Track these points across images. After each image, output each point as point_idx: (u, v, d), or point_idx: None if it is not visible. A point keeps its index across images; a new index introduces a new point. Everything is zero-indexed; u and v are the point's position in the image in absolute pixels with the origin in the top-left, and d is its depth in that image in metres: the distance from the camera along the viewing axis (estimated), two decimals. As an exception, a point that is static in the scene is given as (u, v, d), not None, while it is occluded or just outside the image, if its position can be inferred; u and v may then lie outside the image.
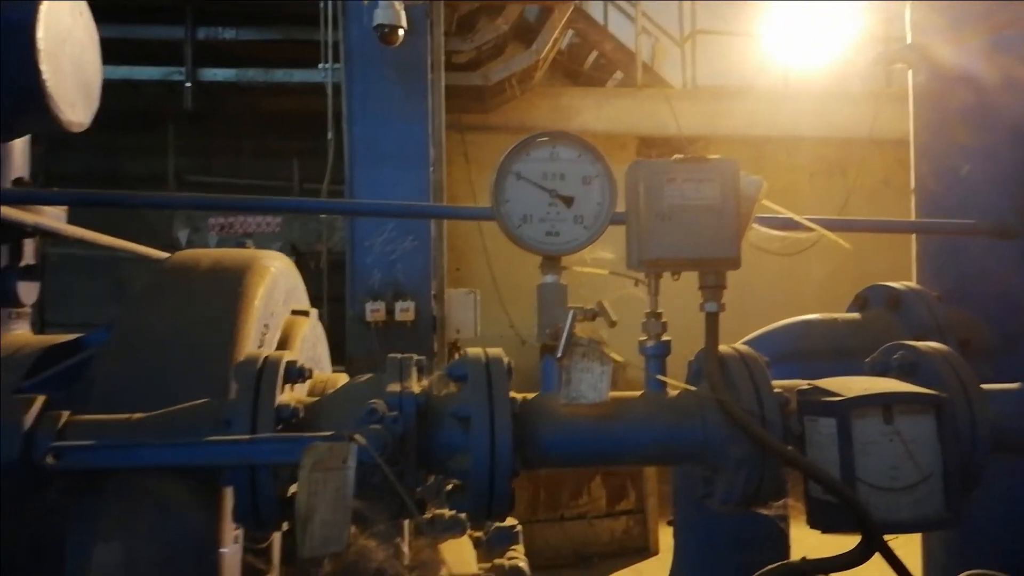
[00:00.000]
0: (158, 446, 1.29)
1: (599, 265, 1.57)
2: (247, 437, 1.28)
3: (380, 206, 4.31)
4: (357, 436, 1.25)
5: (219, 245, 7.34)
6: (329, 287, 6.70)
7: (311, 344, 2.18)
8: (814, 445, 1.46)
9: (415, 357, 1.52)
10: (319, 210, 6.77)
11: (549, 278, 1.54)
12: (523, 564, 2.51)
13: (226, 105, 7.69)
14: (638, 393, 1.55)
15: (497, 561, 2.50)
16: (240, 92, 7.36)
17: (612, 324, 1.50)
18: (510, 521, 2.66)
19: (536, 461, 1.44)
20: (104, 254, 6.53)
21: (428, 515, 2.31)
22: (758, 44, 10.42)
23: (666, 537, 6.32)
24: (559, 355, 1.43)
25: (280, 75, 7.00)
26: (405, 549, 2.01)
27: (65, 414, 1.40)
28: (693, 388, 1.51)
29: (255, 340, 1.78)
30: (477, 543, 2.59)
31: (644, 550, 6.10)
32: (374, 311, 5.84)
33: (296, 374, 1.45)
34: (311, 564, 1.85)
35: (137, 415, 1.44)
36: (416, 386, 1.44)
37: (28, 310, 2.27)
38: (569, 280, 1.59)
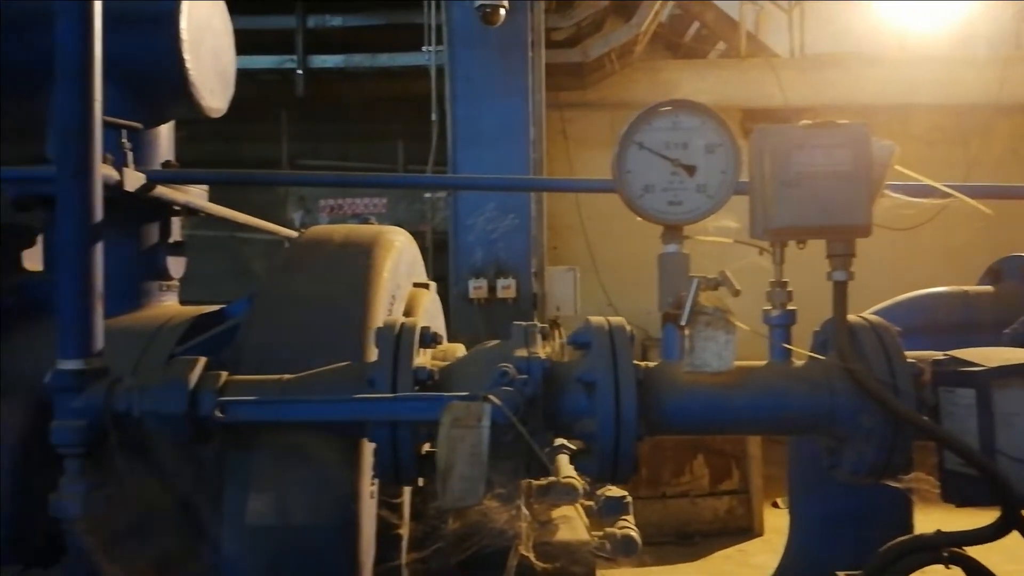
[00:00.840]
0: (313, 402, 1.40)
1: (722, 234, 1.57)
2: (392, 395, 1.37)
3: (492, 181, 4.37)
4: (491, 396, 1.31)
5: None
6: (433, 266, 6.89)
7: (432, 315, 2.27)
8: (950, 416, 1.42)
9: (539, 324, 1.57)
10: (426, 185, 6.92)
11: (671, 248, 1.56)
12: (634, 533, 2.54)
13: (333, 91, 7.97)
14: (762, 363, 1.55)
15: (608, 530, 2.53)
16: (347, 77, 7.62)
17: (735, 293, 1.50)
18: (621, 492, 2.69)
19: (660, 426, 1.47)
20: (224, 235, 6.95)
21: (542, 481, 2.38)
22: (871, 8, 9.86)
23: (771, 518, 6.19)
24: (683, 323, 1.44)
25: (385, 59, 7.20)
26: (527, 512, 2.08)
27: (224, 374, 1.54)
28: (821, 357, 1.49)
29: (385, 309, 1.88)
30: (588, 512, 2.64)
31: (748, 531, 6.00)
32: (476, 288, 5.98)
33: (429, 339, 1.52)
34: (438, 521, 1.96)
35: (286, 376, 1.55)
36: (542, 351, 1.49)
37: (176, 283, 2.47)
38: (690, 249, 1.60)
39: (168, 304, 2.45)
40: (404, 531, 1.86)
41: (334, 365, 1.57)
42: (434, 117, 6.22)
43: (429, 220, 7.44)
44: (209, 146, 8.66)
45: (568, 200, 8.23)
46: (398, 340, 1.48)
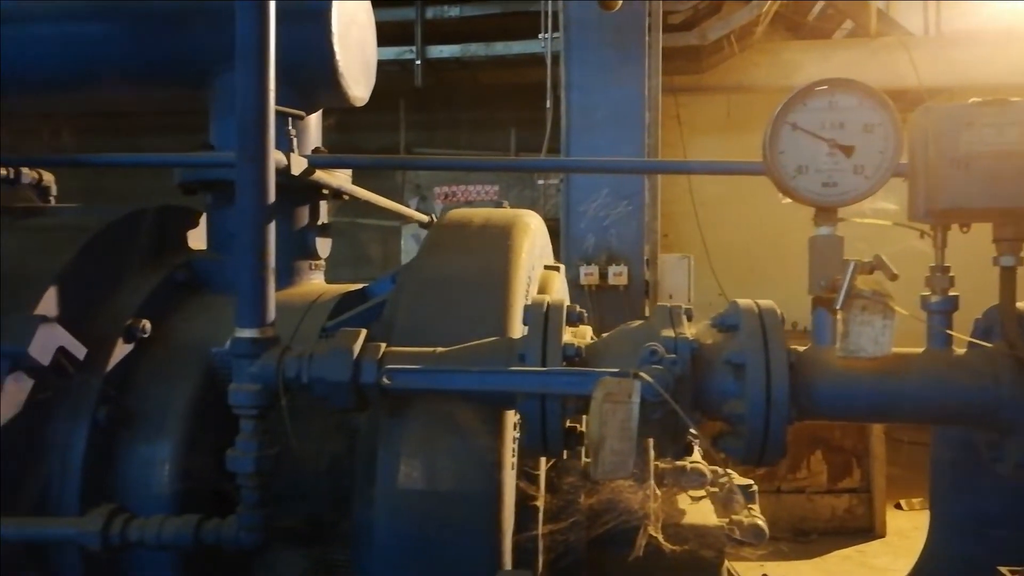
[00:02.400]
0: (473, 372, 1.47)
1: (880, 216, 1.53)
2: (545, 369, 1.43)
3: (612, 163, 4.37)
4: (642, 373, 1.34)
5: (443, 212, 7.88)
6: (544, 252, 6.94)
7: (562, 296, 2.32)
8: None
9: (683, 306, 1.58)
10: (552, 169, 6.96)
11: (824, 230, 1.53)
12: (761, 522, 2.51)
13: (449, 80, 8.16)
14: (920, 350, 1.50)
15: (735, 517, 2.51)
16: (462, 67, 7.78)
17: (893, 277, 1.46)
18: (747, 480, 2.66)
19: (811, 411, 1.45)
20: (344, 221, 7.27)
21: (668, 465, 2.39)
22: (1018, -22, 9.08)
23: (894, 520, 5.92)
24: (838, 307, 1.42)
25: (500, 48, 7.30)
26: (658, 493, 2.10)
27: (382, 345, 1.64)
28: (987, 345, 1.43)
29: (523, 289, 1.94)
30: (713, 498, 2.62)
31: (868, 531, 5.76)
32: (588, 275, 5.99)
33: (576, 318, 1.57)
34: (572, 495, 2.01)
35: (439, 349, 1.64)
36: (688, 332, 1.50)
37: (322, 263, 2.63)
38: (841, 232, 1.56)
39: (316, 282, 2.61)
40: (540, 503, 1.92)
41: (483, 340, 1.64)
42: (548, 104, 6.26)
43: (541, 206, 7.50)
44: (331, 136, 9.09)
45: (680, 187, 8.09)
46: (547, 317, 1.53)
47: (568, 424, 1.55)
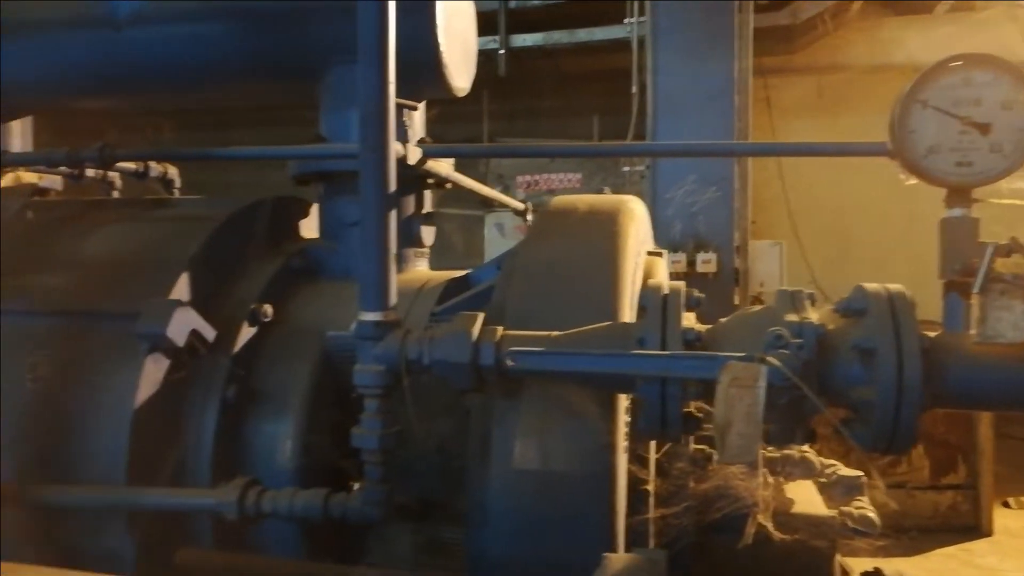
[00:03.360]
0: (595, 355, 1.50)
1: (1018, 197, 1.46)
2: (668, 353, 1.44)
3: (704, 147, 4.28)
4: (770, 358, 1.33)
5: (524, 202, 7.92)
6: (628, 239, 6.89)
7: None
8: None
9: (805, 291, 1.56)
10: (634, 154, 6.89)
11: (957, 211, 1.48)
12: (872, 514, 2.44)
13: (531, 68, 8.17)
14: (1063, 335, 1.43)
15: (844, 508, 2.46)
16: (545, 55, 7.77)
17: (1034, 260, 1.40)
18: (855, 472, 2.59)
19: (944, 398, 1.41)
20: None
21: (776, 454, 2.36)
22: None
23: (1002, 519, 5.64)
24: (975, 291, 1.37)
25: (583, 35, 7.26)
26: (772, 480, 2.08)
27: (499, 329, 1.68)
28: None
29: (631, 274, 1.95)
30: (820, 489, 2.57)
31: (973, 529, 5.50)
32: (674, 263, 5.92)
33: (695, 302, 1.57)
34: (683, 480, 2.02)
35: (554, 333, 1.67)
36: (812, 317, 1.48)
37: (426, 250, 2.71)
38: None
39: (421, 269, 2.69)
40: (651, 487, 1.93)
41: (598, 324, 1.66)
42: (634, 90, 6.20)
43: (625, 194, 7.45)
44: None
45: (769, 171, 7.86)
46: (664, 301, 1.54)
47: (686, 409, 1.56)
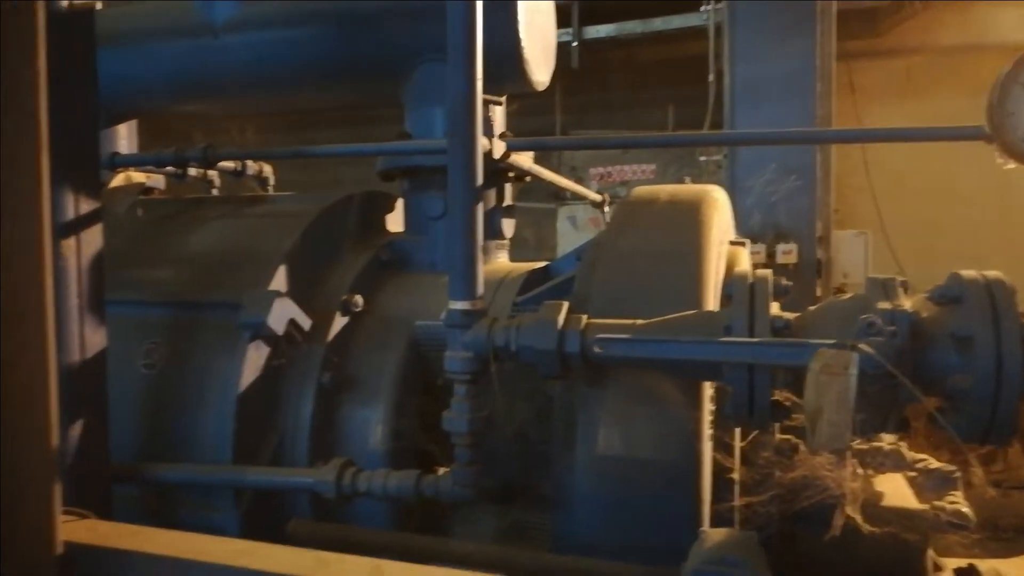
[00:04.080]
0: (684, 342, 1.52)
1: None
2: (758, 340, 1.45)
3: (786, 134, 4.19)
4: (863, 345, 1.33)
5: (601, 193, 7.90)
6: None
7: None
8: None
9: (898, 278, 1.53)
10: (713, 143, 6.79)
11: (1062, 195, 1.42)
12: (966, 510, 2.37)
13: (603, 60, 8.13)
14: None
15: (936, 503, 2.39)
16: (617, 46, 7.73)
17: None
18: (948, 467, 2.52)
19: (1048, 388, 1.37)
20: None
21: (865, 445, 2.31)
22: None
23: (1110, 523, 5.31)
24: (1083, 276, 1.32)
25: (658, 24, 7.18)
26: (861, 472, 2.05)
27: (584, 317, 1.72)
28: None
29: (715, 263, 1.95)
30: (910, 482, 2.51)
31: (1077, 534, 5.21)
32: (754, 254, 5.79)
33: (782, 291, 1.57)
34: (768, 469, 2.01)
35: (639, 321, 1.69)
36: (907, 304, 1.46)
37: (506, 242, 2.76)
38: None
39: (501, 260, 2.75)
40: (736, 475, 1.93)
41: (683, 313, 1.67)
42: (711, 78, 6.10)
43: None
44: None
45: (852, 159, 7.60)
46: (752, 289, 1.54)
47: (774, 397, 1.56)
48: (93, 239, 1.87)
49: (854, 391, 1.34)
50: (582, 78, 8.38)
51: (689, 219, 2.02)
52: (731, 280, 1.59)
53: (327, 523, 1.97)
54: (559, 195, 8.09)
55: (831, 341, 1.37)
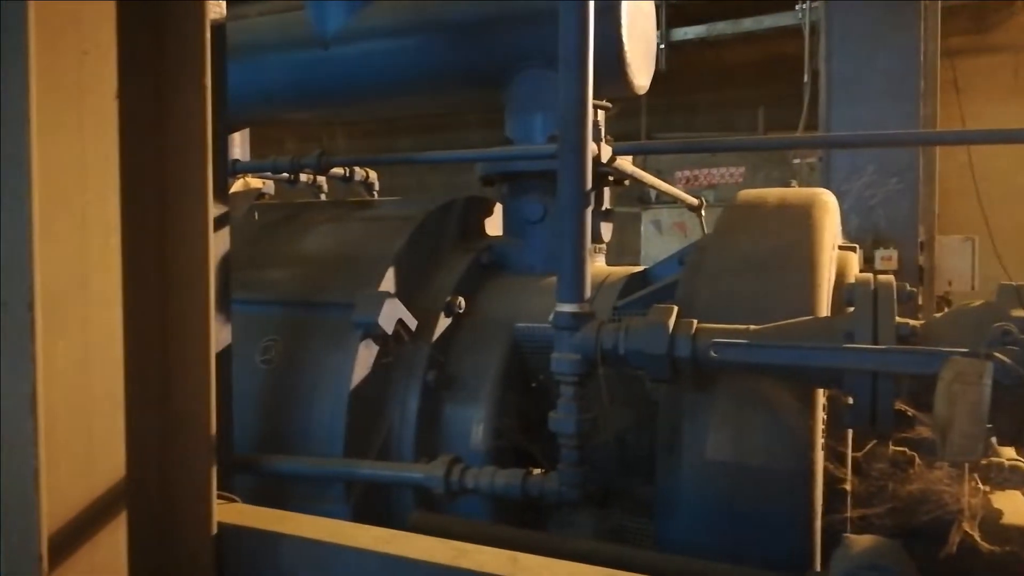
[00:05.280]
0: (806, 348, 1.50)
1: None
2: (884, 347, 1.41)
3: (887, 136, 4.01)
4: (998, 354, 1.28)
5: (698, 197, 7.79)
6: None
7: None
8: None
9: (1033, 285, 1.47)
10: (808, 146, 6.61)
11: None
12: (1098, 533, 2.23)
13: (689, 62, 8.02)
14: None
15: (1062, 524, 2.26)
16: (706, 47, 7.61)
17: None
18: (1076, 485, 2.37)
19: None
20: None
21: (984, 462, 2.21)
22: None
23: None
24: None
25: (749, 23, 7.04)
26: (984, 488, 1.96)
27: (694, 322, 1.71)
28: None
29: (828, 268, 1.91)
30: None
31: None
32: (850, 259, 5.60)
33: (906, 296, 1.52)
34: (882, 481, 1.95)
35: (752, 327, 1.67)
36: (1044, 313, 1.40)
37: (604, 246, 2.78)
38: None
39: (599, 264, 2.76)
40: (849, 486, 1.88)
41: (799, 319, 1.65)
42: (806, 78, 5.93)
43: (794, 188, 7.14)
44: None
45: (956, 161, 7.23)
46: (875, 295, 1.51)
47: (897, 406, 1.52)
48: (221, 241, 1.98)
49: (988, 401, 1.29)
50: (667, 80, 8.28)
51: (800, 222, 1.98)
52: (853, 286, 1.55)
53: (447, 516, 2.03)
54: (643, 199, 8.02)
55: (963, 349, 1.32)
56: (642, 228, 8.07)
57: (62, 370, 1.04)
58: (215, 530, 1.21)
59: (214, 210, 1.95)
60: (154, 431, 1.18)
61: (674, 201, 7.88)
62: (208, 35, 1.23)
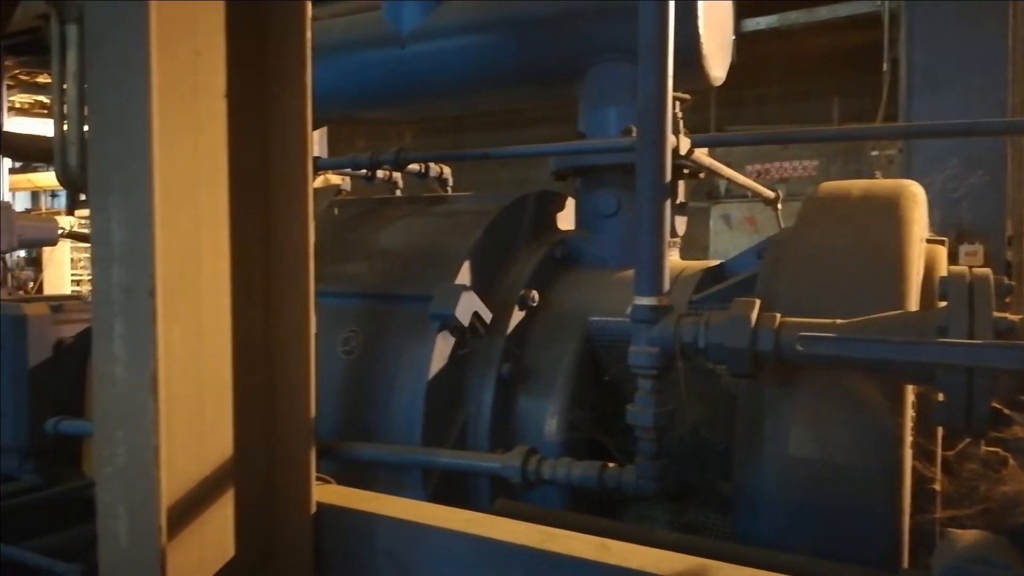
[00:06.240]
0: (898, 343, 1.46)
1: None
2: (984, 342, 1.37)
3: (974, 126, 3.83)
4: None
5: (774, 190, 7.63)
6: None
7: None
8: None
9: None
10: (891, 137, 6.36)
11: None
12: None
13: (760, 53, 7.84)
14: None
15: None
16: (778, 37, 7.42)
17: None
18: None
19: None
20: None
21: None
22: None
23: None
24: None
25: (824, 12, 6.83)
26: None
27: (778, 316, 1.69)
28: None
29: (918, 261, 1.86)
30: None
31: None
32: (932, 254, 5.38)
33: (1005, 289, 1.47)
34: (975, 482, 1.88)
35: (839, 321, 1.64)
36: None
37: (678, 240, 2.75)
38: None
39: (674, 258, 2.74)
40: (938, 486, 1.83)
41: (888, 313, 1.60)
42: (885, 67, 5.72)
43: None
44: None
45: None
46: (971, 288, 1.46)
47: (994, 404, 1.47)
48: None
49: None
50: (738, 71, 8.10)
51: (888, 215, 1.93)
52: (947, 279, 1.51)
53: (531, 504, 2.05)
54: (711, 193, 7.89)
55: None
56: (711, 223, 7.94)
57: (179, 354, 1.11)
58: (314, 509, 1.27)
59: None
60: (258, 414, 1.24)
61: (744, 195, 7.73)
62: (309, 34, 1.28)
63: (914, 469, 1.79)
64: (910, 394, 1.69)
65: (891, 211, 1.93)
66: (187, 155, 1.11)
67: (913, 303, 1.73)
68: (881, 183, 2.13)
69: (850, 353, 1.50)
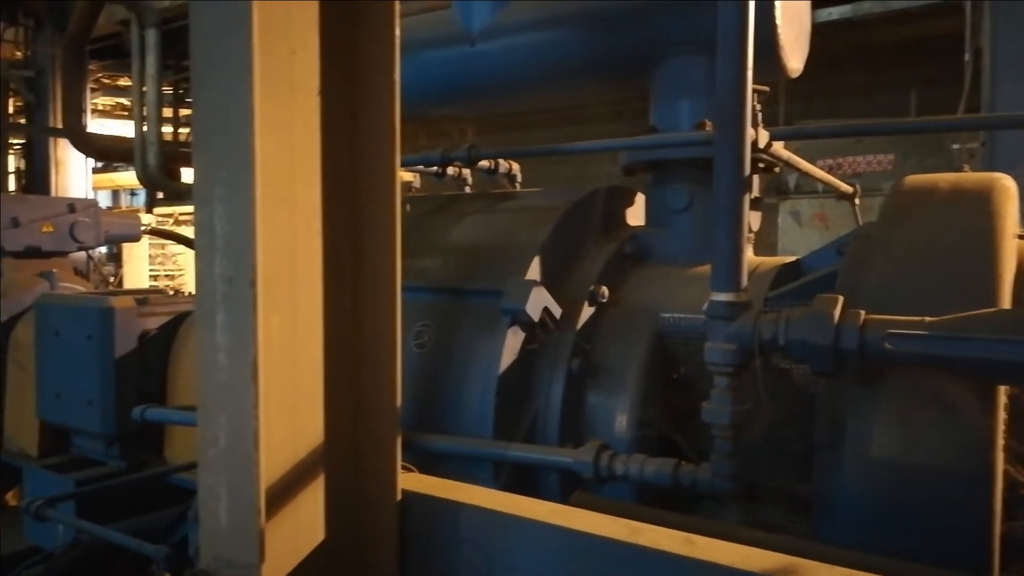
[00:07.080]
0: (996, 341, 1.41)
1: None
2: (1088, 340, 1.31)
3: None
4: None
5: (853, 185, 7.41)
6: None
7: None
8: None
9: None
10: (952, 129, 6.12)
11: None
12: None
13: (832, 44, 7.60)
14: None
15: None
16: (852, 28, 7.19)
17: None
18: None
19: None
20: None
21: None
22: None
23: None
24: None
25: (899, 2, 6.59)
26: None
27: (862, 312, 1.64)
28: None
29: (1012, 257, 1.78)
30: None
31: None
32: (1018, 251, 5.13)
33: (1111, 287, 1.40)
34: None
35: (926, 318, 1.59)
36: None
37: (753, 235, 2.70)
38: None
39: (748, 254, 2.69)
40: (1032, 492, 1.75)
41: (979, 311, 1.55)
42: (967, 57, 5.48)
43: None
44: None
45: None
46: (1075, 286, 1.39)
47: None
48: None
49: None
50: (808, 63, 7.89)
51: (978, 208, 1.86)
52: (1046, 275, 1.44)
53: (609, 499, 2.06)
54: (780, 189, 7.71)
55: None
56: (779, 219, 7.76)
57: (276, 342, 1.15)
58: (399, 496, 1.30)
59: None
60: (347, 402, 1.28)
61: (814, 191, 7.52)
62: (397, 32, 1.31)
63: (1006, 473, 1.72)
64: (1002, 395, 1.63)
65: (982, 205, 1.86)
66: (284, 150, 1.15)
67: (1006, 301, 1.66)
68: (970, 176, 2.05)
69: (942, 351, 1.45)
